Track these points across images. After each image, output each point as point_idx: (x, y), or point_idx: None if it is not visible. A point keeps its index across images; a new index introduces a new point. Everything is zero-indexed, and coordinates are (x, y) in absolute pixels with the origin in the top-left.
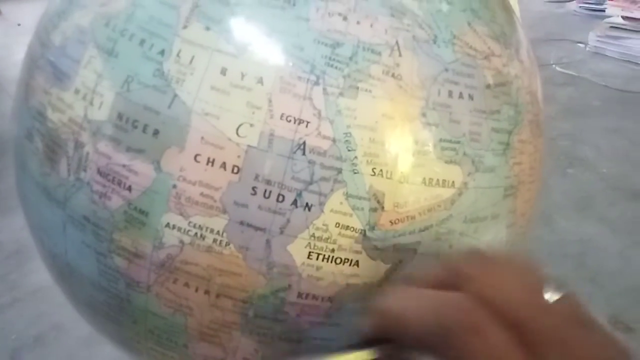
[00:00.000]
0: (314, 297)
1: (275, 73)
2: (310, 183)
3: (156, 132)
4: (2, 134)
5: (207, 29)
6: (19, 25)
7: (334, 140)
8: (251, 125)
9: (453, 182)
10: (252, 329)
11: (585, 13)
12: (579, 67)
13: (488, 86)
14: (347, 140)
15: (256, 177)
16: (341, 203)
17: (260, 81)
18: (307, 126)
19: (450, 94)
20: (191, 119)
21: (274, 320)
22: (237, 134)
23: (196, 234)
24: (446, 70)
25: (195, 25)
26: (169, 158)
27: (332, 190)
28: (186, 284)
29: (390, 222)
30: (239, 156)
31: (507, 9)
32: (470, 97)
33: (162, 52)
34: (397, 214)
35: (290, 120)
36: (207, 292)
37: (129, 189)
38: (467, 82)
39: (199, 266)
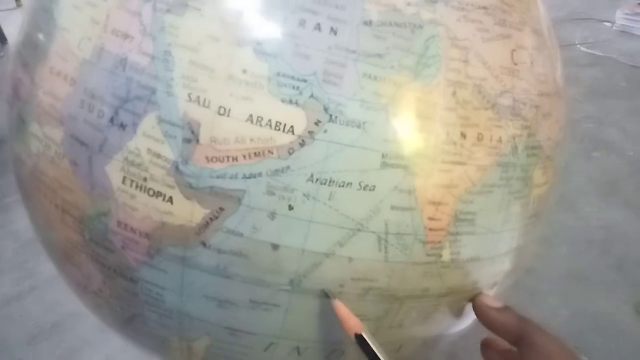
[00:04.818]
0: (132, 229)
1: None
2: (127, 101)
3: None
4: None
5: None
6: None
7: (152, 58)
8: (89, 39)
9: (292, 127)
10: (92, 254)
11: None
12: (605, 47)
13: (367, 23)
14: (165, 59)
15: (85, 90)
16: (154, 127)
17: None
18: (131, 42)
19: (302, 23)
20: (55, 34)
21: (105, 248)
22: (79, 47)
23: (46, 144)
24: None
25: None
26: (40, 71)
27: (145, 111)
28: (45, 195)
29: (207, 158)
30: (76, 69)
31: None
32: (333, 31)
33: None
34: (215, 151)
35: (118, 35)
36: (56, 205)
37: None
38: (331, 13)
39: (48, 177)
